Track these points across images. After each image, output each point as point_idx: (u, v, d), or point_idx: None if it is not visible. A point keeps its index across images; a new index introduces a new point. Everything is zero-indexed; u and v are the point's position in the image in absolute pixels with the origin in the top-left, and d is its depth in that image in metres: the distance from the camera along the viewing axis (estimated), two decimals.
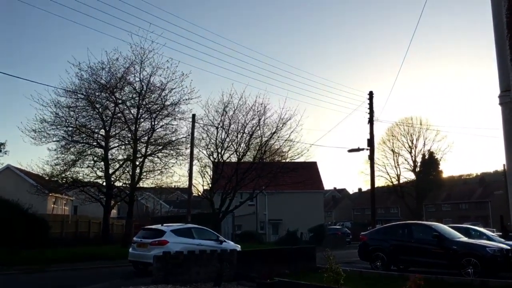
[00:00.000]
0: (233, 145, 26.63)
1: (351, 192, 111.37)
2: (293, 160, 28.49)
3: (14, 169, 40.92)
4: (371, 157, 24.80)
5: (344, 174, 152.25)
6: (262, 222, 45.04)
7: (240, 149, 26.74)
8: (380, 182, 58.31)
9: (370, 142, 24.37)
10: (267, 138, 26.79)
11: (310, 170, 43.22)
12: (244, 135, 26.43)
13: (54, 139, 23.95)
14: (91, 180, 25.23)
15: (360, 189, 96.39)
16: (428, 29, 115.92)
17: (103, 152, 24.70)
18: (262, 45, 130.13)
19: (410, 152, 58.12)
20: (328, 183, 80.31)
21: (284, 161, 28.37)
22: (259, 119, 26.18)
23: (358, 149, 25.07)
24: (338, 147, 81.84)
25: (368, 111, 24.88)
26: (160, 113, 25.04)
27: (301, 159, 28.78)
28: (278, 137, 26.86)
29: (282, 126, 26.41)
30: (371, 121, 24.59)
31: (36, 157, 56.77)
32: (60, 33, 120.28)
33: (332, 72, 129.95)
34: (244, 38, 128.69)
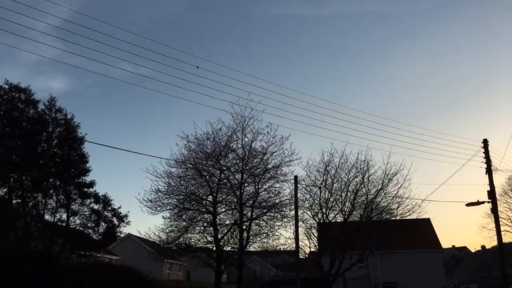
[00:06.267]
0: (337, 205, 25.97)
1: (472, 250, 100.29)
2: (403, 218, 26.78)
3: (134, 237, 44.00)
4: (494, 211, 22.40)
5: (462, 230, 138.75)
6: (375, 286, 42.16)
7: (346, 208, 25.95)
8: (507, 238, 51.87)
9: (491, 194, 22.15)
10: (373, 196, 25.73)
11: (424, 228, 40.10)
12: (348, 193, 25.71)
13: (168, 208, 25.35)
14: (202, 245, 26.08)
15: (483, 247, 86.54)
16: None
17: (211, 217, 25.56)
18: (360, 101, 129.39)
19: None
20: (446, 241, 73.59)
21: (393, 219, 26.82)
22: (363, 176, 25.41)
23: (478, 203, 22.84)
24: (453, 201, 75.50)
25: (484, 160, 22.88)
26: (263, 176, 25.53)
27: (413, 216, 26.92)
28: (385, 194, 25.66)
29: (388, 182, 25.28)
30: (489, 172, 22.48)
31: (152, 225, 60.57)
32: (169, 110, 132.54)
33: (438, 121, 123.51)
34: (341, 96, 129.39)
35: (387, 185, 25.31)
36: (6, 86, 21.63)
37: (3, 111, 21.27)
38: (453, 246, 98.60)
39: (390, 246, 27.93)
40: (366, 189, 25.56)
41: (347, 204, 25.95)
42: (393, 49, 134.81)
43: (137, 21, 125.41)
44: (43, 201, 22.24)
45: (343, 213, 25.88)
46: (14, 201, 21.54)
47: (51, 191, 22.38)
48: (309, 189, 26.26)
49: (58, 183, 22.41)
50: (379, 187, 25.39)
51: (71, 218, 22.84)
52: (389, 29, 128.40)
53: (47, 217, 22.49)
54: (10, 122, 21.35)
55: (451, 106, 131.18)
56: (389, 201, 26.11)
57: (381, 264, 40.94)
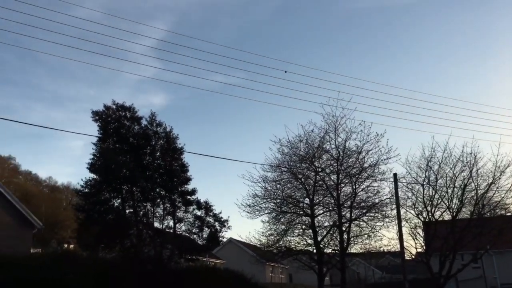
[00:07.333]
0: (444, 202, 24.46)
1: None
2: None
3: (235, 241, 45.48)
4: None
5: None
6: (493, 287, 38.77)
7: (453, 205, 24.34)
8: None
9: None
10: (483, 191, 23.89)
11: None
12: (455, 189, 24.11)
13: (266, 212, 25.78)
14: (302, 248, 26.10)
15: None
16: None
17: (309, 220, 25.47)
18: (463, 91, 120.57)
19: None
20: None
21: (509, 214, 24.57)
22: (471, 170, 23.70)
23: None
24: None
25: None
26: (360, 176, 24.88)
27: None
28: (498, 187, 23.68)
29: (500, 175, 23.44)
30: None
31: (252, 229, 62.10)
32: (261, 116, 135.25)
33: None
34: (441, 87, 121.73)
35: (499, 178, 23.61)
36: (114, 106, 23.74)
37: (113, 129, 23.34)
38: None
39: (507, 244, 25.58)
40: (475, 184, 23.93)
41: (454, 201, 24.42)
42: (498, 32, 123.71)
43: (225, 32, 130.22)
44: (152, 209, 23.94)
45: (451, 210, 24.35)
46: (127, 211, 23.46)
47: (158, 200, 24.00)
48: (410, 187, 25.16)
49: (164, 192, 23.95)
50: (490, 181, 23.72)
51: (177, 225, 24.24)
52: (491, 12, 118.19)
53: (156, 224, 24.16)
54: (119, 138, 23.36)
55: None
56: (502, 196, 24.13)
57: (497, 263, 37.69)
